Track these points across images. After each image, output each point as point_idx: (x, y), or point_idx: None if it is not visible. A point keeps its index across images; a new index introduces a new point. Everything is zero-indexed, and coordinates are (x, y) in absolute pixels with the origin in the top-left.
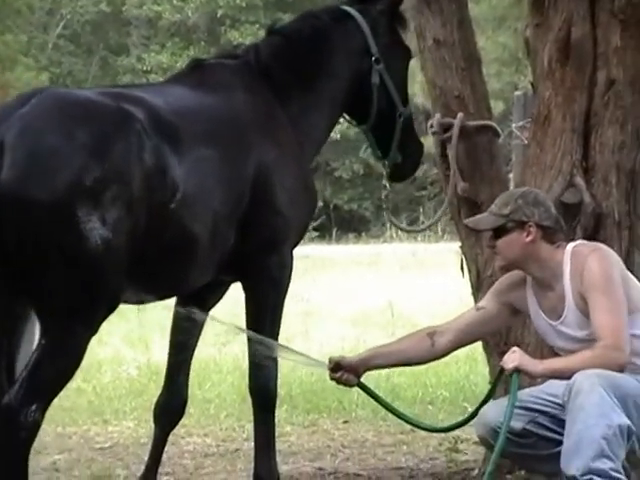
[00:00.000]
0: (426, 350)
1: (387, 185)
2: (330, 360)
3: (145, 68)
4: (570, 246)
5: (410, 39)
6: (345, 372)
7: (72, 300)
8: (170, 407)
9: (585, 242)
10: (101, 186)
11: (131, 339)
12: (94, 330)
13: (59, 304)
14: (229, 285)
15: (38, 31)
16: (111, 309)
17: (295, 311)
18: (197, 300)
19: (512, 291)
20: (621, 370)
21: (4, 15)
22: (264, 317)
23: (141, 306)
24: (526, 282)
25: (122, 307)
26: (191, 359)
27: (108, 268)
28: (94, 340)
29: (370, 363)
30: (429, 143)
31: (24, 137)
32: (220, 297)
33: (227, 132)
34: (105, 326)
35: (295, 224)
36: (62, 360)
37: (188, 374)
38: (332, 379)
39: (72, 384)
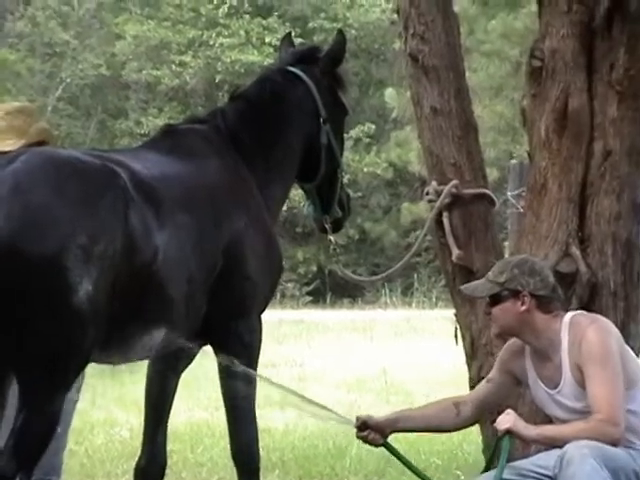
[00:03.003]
0: (452, 418)
1: (332, 239)
2: (357, 418)
3: (143, 132)
4: (568, 316)
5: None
6: (372, 431)
7: (52, 355)
8: (150, 469)
9: (584, 313)
10: (90, 241)
11: (124, 401)
12: (66, 391)
13: (41, 361)
14: (199, 349)
15: (38, 94)
16: (82, 367)
17: (289, 375)
18: (169, 363)
19: (513, 360)
20: (615, 445)
21: (4, 77)
22: (238, 382)
23: (134, 368)
24: (525, 351)
25: (115, 369)
26: (168, 417)
27: (89, 323)
28: (87, 402)
29: (397, 425)
30: (423, 209)
31: (16, 192)
32: (191, 361)
33: (202, 199)
34: (99, 388)
35: (264, 289)
36: (44, 424)
37: (166, 434)
38: (359, 437)
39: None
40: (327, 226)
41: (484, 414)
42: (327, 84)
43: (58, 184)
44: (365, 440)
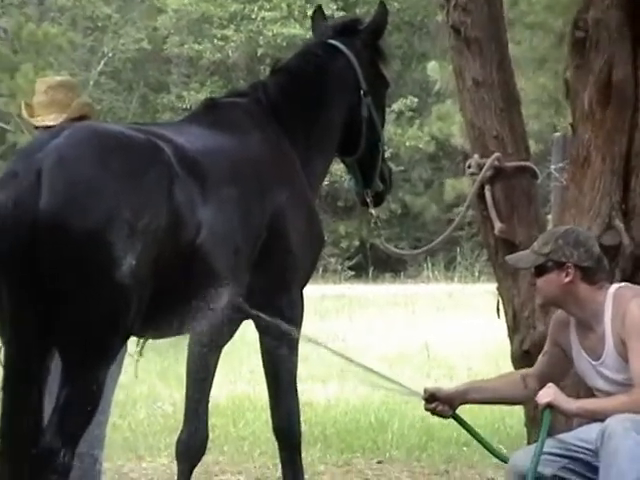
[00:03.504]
0: (520, 391)
1: (373, 213)
2: (425, 390)
3: (185, 106)
4: (613, 288)
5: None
6: (440, 403)
7: (95, 329)
8: (192, 442)
9: (629, 285)
10: (135, 215)
11: (166, 375)
12: (109, 365)
13: (83, 335)
14: (240, 323)
15: (80, 68)
16: (124, 341)
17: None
18: (211, 336)
19: (559, 332)
20: None
21: (46, 51)
22: (280, 356)
23: (175, 342)
24: (570, 322)
25: (157, 343)
26: (209, 391)
27: (132, 297)
28: (129, 376)
29: (466, 396)
30: (465, 183)
31: (61, 166)
32: (232, 335)
33: (245, 172)
34: (141, 363)
35: (305, 263)
36: (88, 400)
37: (207, 408)
38: (427, 409)
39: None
40: (368, 200)
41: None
42: (368, 57)
43: (102, 158)
44: (433, 412)
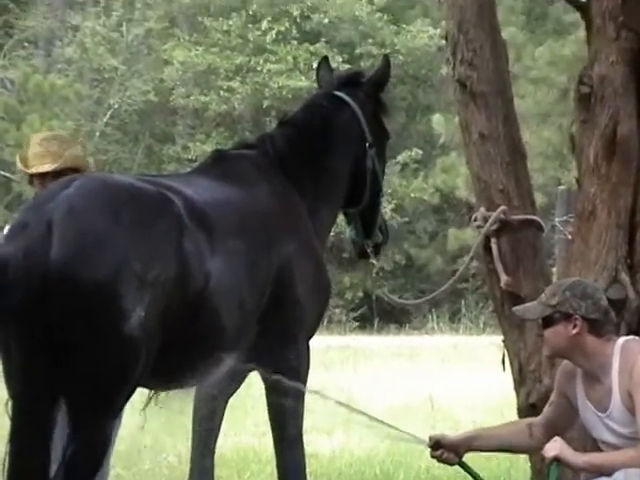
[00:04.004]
0: (525, 439)
1: (375, 263)
2: (430, 438)
3: (190, 157)
4: (621, 341)
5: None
6: (445, 451)
7: (103, 381)
8: None
9: (637, 338)
10: (145, 267)
11: (171, 426)
12: (116, 416)
13: (92, 387)
14: (247, 374)
15: (86, 119)
16: (132, 393)
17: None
18: (217, 389)
19: (565, 382)
20: None
21: (52, 102)
22: (286, 408)
23: (180, 393)
24: (577, 373)
25: (163, 394)
26: (215, 443)
27: (140, 350)
28: (134, 427)
29: (472, 443)
30: (470, 235)
31: (72, 217)
32: (239, 385)
33: (253, 224)
34: (147, 413)
35: (312, 315)
36: (95, 452)
37: (213, 460)
38: (433, 457)
39: (112, 471)
40: (369, 251)
41: (554, 436)
42: (371, 109)
43: (112, 209)
44: (439, 459)
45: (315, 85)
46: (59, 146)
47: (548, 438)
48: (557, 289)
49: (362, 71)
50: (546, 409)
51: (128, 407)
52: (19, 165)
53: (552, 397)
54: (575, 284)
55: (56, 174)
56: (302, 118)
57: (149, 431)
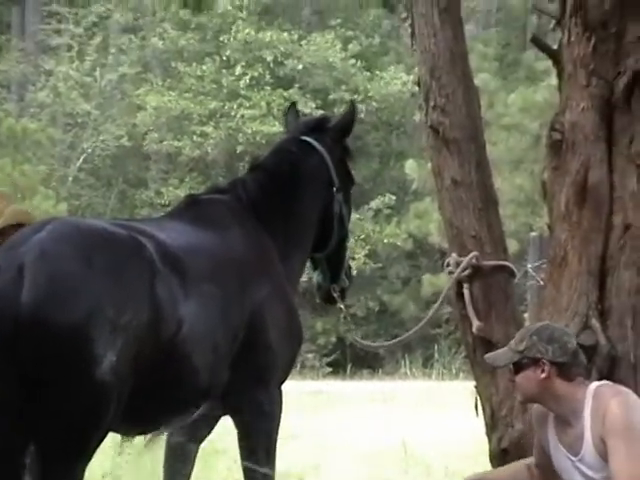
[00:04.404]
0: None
1: (343, 308)
2: None
3: (163, 202)
4: (593, 386)
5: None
6: None
7: (74, 425)
8: None
9: (609, 383)
10: (117, 311)
11: (141, 472)
12: (87, 462)
13: (62, 431)
14: (219, 418)
15: (59, 164)
16: (103, 438)
17: (310, 446)
18: (188, 432)
19: (538, 426)
20: None
21: (25, 147)
22: (258, 452)
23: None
24: (548, 417)
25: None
26: None
27: (111, 395)
28: (105, 472)
29: None
30: (443, 281)
31: (43, 260)
32: (210, 431)
33: (226, 269)
34: (117, 459)
35: (284, 360)
36: None
37: None
38: None
39: None
40: (336, 295)
41: (550, 476)
42: (338, 153)
43: (84, 254)
44: None
45: None
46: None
47: (544, 477)
48: (525, 334)
49: (328, 116)
50: (533, 451)
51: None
52: None
53: (535, 440)
54: (542, 328)
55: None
56: (272, 163)
57: (118, 477)
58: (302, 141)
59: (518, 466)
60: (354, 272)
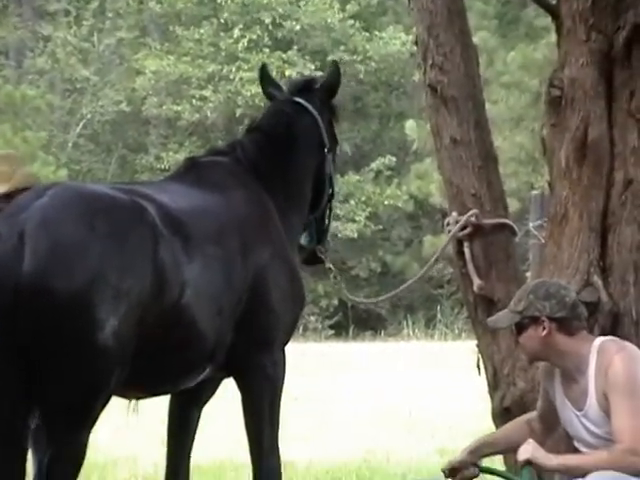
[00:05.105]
0: (529, 436)
1: (332, 267)
2: (444, 471)
3: (163, 167)
4: (598, 341)
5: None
6: (463, 471)
7: (78, 392)
8: None
9: (615, 339)
10: (119, 277)
11: (147, 436)
12: (92, 427)
13: (66, 397)
14: (221, 381)
15: (58, 130)
16: (106, 403)
17: (313, 409)
18: (191, 396)
19: (545, 380)
20: (637, 475)
21: (24, 113)
22: (262, 415)
23: (155, 401)
24: (555, 372)
25: (138, 403)
26: (190, 450)
27: (114, 360)
28: (110, 437)
29: (481, 453)
30: (445, 241)
31: (45, 227)
32: (213, 393)
33: (229, 231)
34: (122, 423)
35: (287, 322)
36: (71, 463)
37: (189, 469)
38: None
39: None
40: (323, 256)
41: (554, 429)
42: (327, 115)
43: (86, 220)
44: None
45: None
46: (9, 166)
47: (549, 430)
48: (522, 294)
49: (315, 78)
50: (538, 403)
51: (103, 416)
52: None
53: (540, 391)
54: (538, 286)
55: (7, 195)
56: (268, 124)
57: (124, 440)
58: (294, 102)
59: (517, 424)
60: (355, 234)
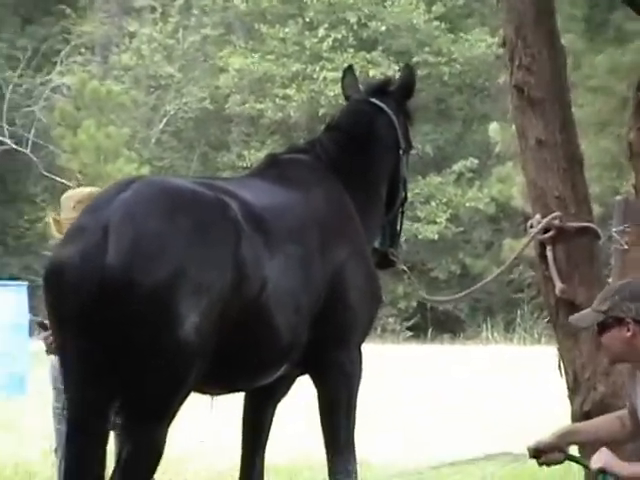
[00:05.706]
0: (619, 430)
1: (405, 269)
2: (529, 449)
3: (245, 165)
4: None
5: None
6: (548, 454)
7: (158, 386)
8: None
9: None
10: (201, 272)
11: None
12: (171, 422)
13: (146, 392)
14: (296, 378)
15: (141, 126)
16: (186, 398)
17: (388, 408)
18: (267, 393)
19: (628, 382)
20: None
21: (108, 109)
22: (338, 412)
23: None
24: (636, 374)
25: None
26: (264, 449)
27: (195, 355)
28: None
29: (569, 439)
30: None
31: (129, 222)
32: (288, 390)
33: (309, 229)
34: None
35: (364, 320)
36: (149, 457)
37: (263, 465)
38: (540, 464)
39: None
40: (395, 259)
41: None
42: (402, 117)
43: (169, 214)
44: (547, 463)
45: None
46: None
47: (638, 429)
48: (607, 294)
49: (391, 79)
50: (627, 403)
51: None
52: (52, 230)
53: (625, 392)
54: (624, 286)
55: None
56: (347, 123)
57: (201, 436)
58: (371, 103)
59: (608, 417)
60: (436, 236)
